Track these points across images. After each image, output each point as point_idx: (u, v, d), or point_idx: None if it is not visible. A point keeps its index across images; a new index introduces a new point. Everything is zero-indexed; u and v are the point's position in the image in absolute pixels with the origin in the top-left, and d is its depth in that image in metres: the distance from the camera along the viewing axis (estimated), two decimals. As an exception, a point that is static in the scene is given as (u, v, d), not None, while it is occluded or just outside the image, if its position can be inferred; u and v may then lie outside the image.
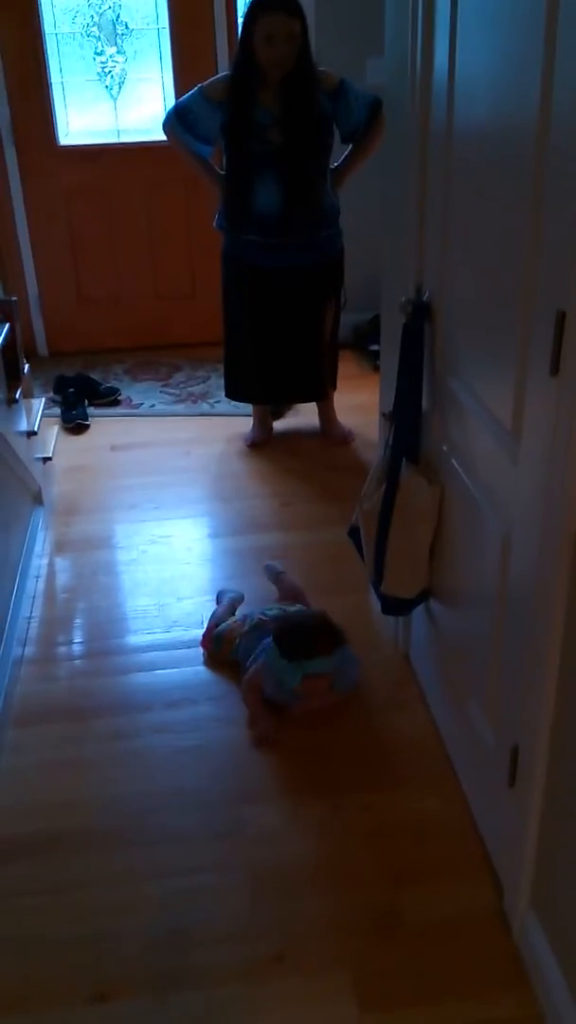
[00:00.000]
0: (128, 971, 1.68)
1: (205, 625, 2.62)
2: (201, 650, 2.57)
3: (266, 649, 2.32)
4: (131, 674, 2.51)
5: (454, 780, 2.08)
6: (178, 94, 4.16)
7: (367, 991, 1.63)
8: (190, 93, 3.35)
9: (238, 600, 2.74)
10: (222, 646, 2.50)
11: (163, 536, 3.23)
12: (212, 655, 2.53)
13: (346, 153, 3.46)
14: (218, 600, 2.76)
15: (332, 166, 3.43)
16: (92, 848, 1.95)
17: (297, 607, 2.61)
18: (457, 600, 2.04)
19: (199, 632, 2.66)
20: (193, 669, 2.52)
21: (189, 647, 2.60)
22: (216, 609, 2.69)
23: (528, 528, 1.53)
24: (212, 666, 2.52)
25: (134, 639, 2.67)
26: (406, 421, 2.09)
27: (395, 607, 2.29)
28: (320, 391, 3.82)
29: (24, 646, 2.62)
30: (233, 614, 2.64)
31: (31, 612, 2.79)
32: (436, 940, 1.73)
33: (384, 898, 1.82)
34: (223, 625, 2.54)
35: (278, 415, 4.05)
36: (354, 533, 2.37)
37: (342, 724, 2.29)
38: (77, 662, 2.60)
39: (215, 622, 2.60)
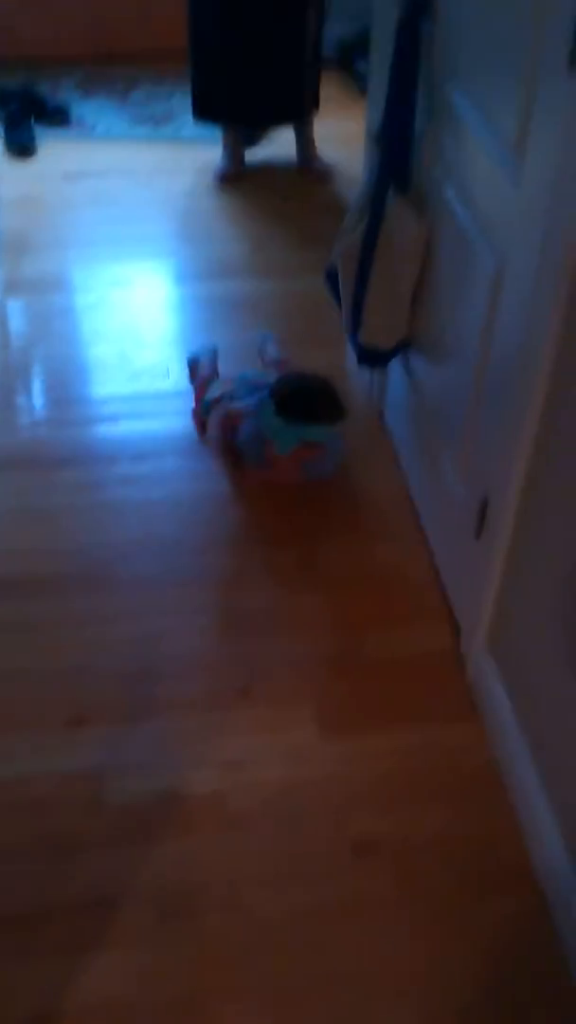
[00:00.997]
0: (102, 700, 1.92)
1: (193, 395, 2.62)
2: (185, 414, 2.61)
3: (257, 401, 2.33)
4: (94, 425, 2.63)
5: (420, 534, 2.28)
6: None
7: (327, 719, 1.89)
8: None
9: (214, 356, 2.72)
10: (209, 407, 2.49)
11: (124, 279, 3.23)
12: (198, 416, 2.54)
13: None
14: (192, 369, 2.72)
15: None
16: (63, 592, 2.15)
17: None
18: (438, 350, 2.11)
19: (164, 384, 2.75)
20: (160, 422, 2.63)
21: (155, 399, 2.70)
22: (199, 375, 2.66)
23: (523, 261, 1.54)
24: (180, 419, 2.63)
25: (96, 390, 2.76)
26: (396, 142, 2.02)
27: (372, 358, 2.37)
28: (299, 109, 3.67)
29: (-20, 394, 2.71)
30: (215, 367, 2.67)
31: (-15, 359, 2.85)
32: (394, 676, 1.97)
33: (345, 639, 2.05)
34: (212, 390, 2.53)
35: (252, 142, 3.92)
36: (331, 277, 2.38)
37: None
38: (38, 412, 2.70)
39: (201, 383, 2.61)
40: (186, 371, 2.74)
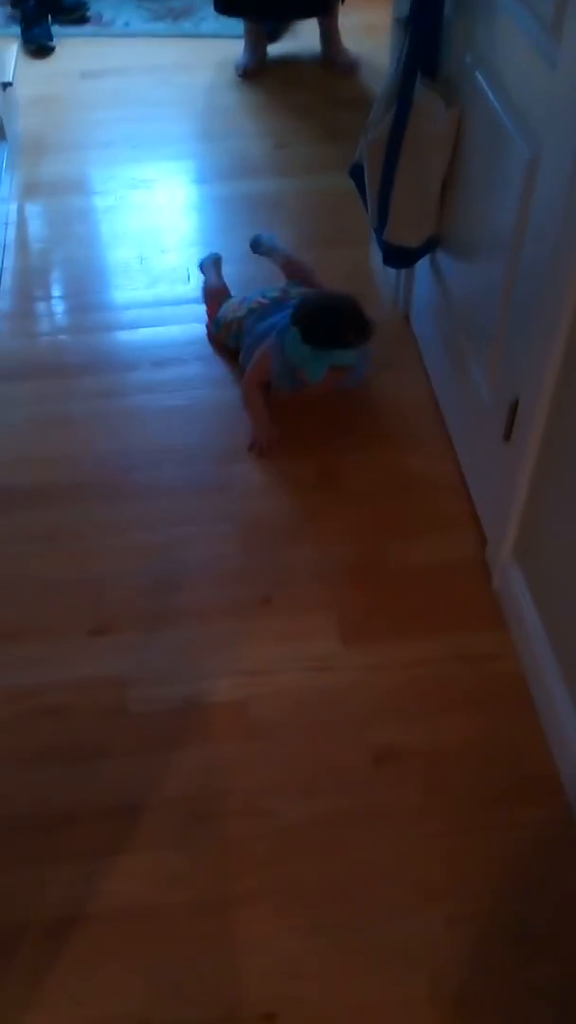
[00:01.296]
0: (123, 609, 1.88)
1: (201, 293, 2.57)
2: (204, 321, 2.53)
3: (277, 331, 2.21)
4: (114, 332, 2.54)
5: (446, 439, 2.20)
6: None
7: (350, 628, 1.85)
8: None
9: (218, 261, 2.64)
10: (220, 331, 2.44)
11: (143, 180, 3.11)
12: (212, 336, 2.50)
13: None
14: (203, 271, 2.65)
15: None
16: (83, 500, 2.10)
17: (306, 288, 2.45)
18: (467, 247, 2.01)
19: (185, 288, 2.65)
20: (180, 328, 2.54)
21: (175, 304, 2.61)
22: (205, 286, 2.59)
23: (560, 149, 1.43)
24: (201, 326, 2.54)
25: (116, 295, 2.67)
26: (425, 25, 1.90)
27: (398, 257, 2.25)
28: (323, 2, 3.48)
29: (-1, 299, 2.63)
30: (220, 277, 2.58)
31: (3, 262, 2.76)
32: (418, 585, 1.92)
33: (369, 548, 1.99)
34: (222, 309, 2.45)
35: (274, 36, 3.73)
36: (356, 172, 2.26)
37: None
38: (57, 318, 2.62)
39: (210, 297, 2.53)
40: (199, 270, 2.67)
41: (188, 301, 2.62)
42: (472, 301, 2.00)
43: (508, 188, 1.69)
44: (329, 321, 2.13)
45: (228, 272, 2.62)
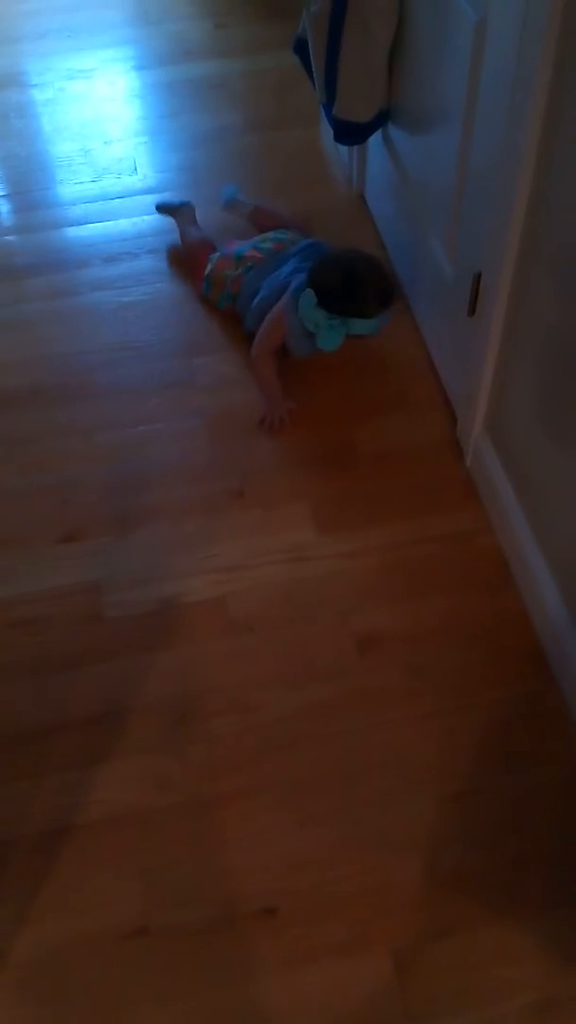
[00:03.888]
0: (92, 513, 1.71)
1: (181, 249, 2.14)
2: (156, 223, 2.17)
3: (291, 291, 1.81)
4: (62, 229, 2.28)
5: (410, 319, 2.00)
6: None
7: (324, 516, 1.69)
8: None
9: (191, 210, 2.19)
10: (211, 290, 2.02)
11: (81, 70, 2.78)
12: (203, 297, 2.06)
13: None
14: (177, 223, 2.20)
15: None
16: (43, 404, 1.89)
17: (298, 236, 2.03)
18: (420, 120, 1.79)
19: (132, 180, 2.39)
20: (130, 221, 2.29)
21: (123, 197, 2.35)
22: (185, 239, 2.15)
23: (506, 9, 1.27)
24: (151, 218, 2.28)
25: (61, 190, 2.39)
26: None
27: (349, 133, 2.01)
28: None
29: None
30: (198, 227, 2.16)
31: None
32: (391, 469, 1.75)
33: (339, 434, 1.82)
34: (210, 266, 2.01)
35: None
36: (301, 47, 2.01)
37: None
38: (1, 218, 2.35)
39: (193, 253, 2.09)
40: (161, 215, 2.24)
41: (136, 192, 2.35)
42: (428, 175, 1.79)
43: (457, 54, 1.50)
44: (350, 287, 1.74)
45: (191, 159, 2.34)
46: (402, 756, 1.39)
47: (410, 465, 1.76)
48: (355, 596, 1.57)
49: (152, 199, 2.30)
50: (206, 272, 2.01)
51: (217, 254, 2.02)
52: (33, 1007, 1.18)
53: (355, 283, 1.75)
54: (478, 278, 1.54)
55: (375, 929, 1.23)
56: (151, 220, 2.27)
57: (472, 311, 1.59)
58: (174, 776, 1.37)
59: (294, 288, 1.81)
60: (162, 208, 2.22)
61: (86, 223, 2.28)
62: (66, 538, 1.67)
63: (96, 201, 2.34)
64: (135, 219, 2.28)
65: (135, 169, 2.42)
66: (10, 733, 1.43)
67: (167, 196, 2.28)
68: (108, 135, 2.54)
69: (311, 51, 1.93)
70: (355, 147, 2.24)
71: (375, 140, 2.08)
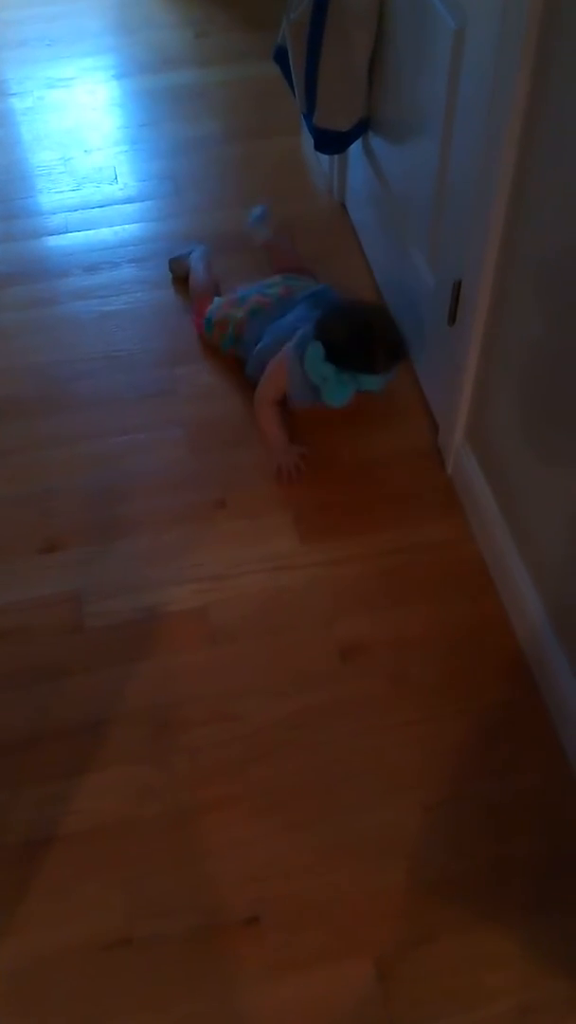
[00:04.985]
0: (73, 523, 1.73)
1: (192, 307, 2.06)
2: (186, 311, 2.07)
3: (296, 342, 1.77)
4: (42, 238, 2.32)
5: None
6: None
7: (307, 525, 1.72)
8: None
9: (206, 254, 2.15)
10: (213, 331, 1.98)
11: (61, 79, 2.83)
12: (205, 338, 2.03)
13: None
14: (174, 269, 2.18)
15: None
16: (24, 414, 1.92)
17: (309, 281, 2.01)
18: (399, 128, 1.83)
19: (112, 188, 2.43)
20: (110, 230, 2.32)
21: (103, 206, 2.39)
22: (195, 283, 2.10)
23: (484, 18, 1.31)
24: (132, 226, 2.32)
25: (41, 199, 2.43)
26: None
27: (330, 143, 2.06)
28: None
29: None
30: (210, 271, 2.11)
31: None
32: (372, 477, 1.79)
33: (320, 443, 1.85)
34: (213, 306, 1.99)
35: None
36: (281, 55, 2.05)
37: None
38: (-20, 228, 2.38)
39: (200, 294, 2.06)
40: (169, 273, 2.19)
41: (116, 202, 2.39)
42: (408, 183, 1.83)
43: (436, 63, 1.54)
44: (359, 342, 1.70)
45: (172, 168, 2.37)
46: (385, 763, 1.42)
47: (392, 473, 1.80)
48: (337, 604, 1.60)
49: (133, 207, 2.34)
50: (209, 313, 1.98)
51: (222, 299, 1.99)
52: (16, 1018, 1.20)
53: (366, 338, 1.71)
54: (458, 286, 1.59)
55: (358, 936, 1.26)
56: (132, 229, 2.31)
57: (452, 320, 1.63)
58: (157, 786, 1.40)
59: (300, 338, 1.77)
60: (175, 261, 2.18)
61: (66, 232, 2.32)
62: (47, 548, 1.70)
63: (76, 210, 2.38)
64: (116, 228, 2.32)
65: (115, 178, 2.46)
66: (-10, 745, 1.46)
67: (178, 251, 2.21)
68: (88, 144, 2.58)
69: (291, 60, 1.97)
70: (336, 156, 2.29)
71: (355, 149, 2.13)
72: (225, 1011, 1.20)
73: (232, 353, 1.97)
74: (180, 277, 2.16)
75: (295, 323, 1.83)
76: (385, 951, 1.25)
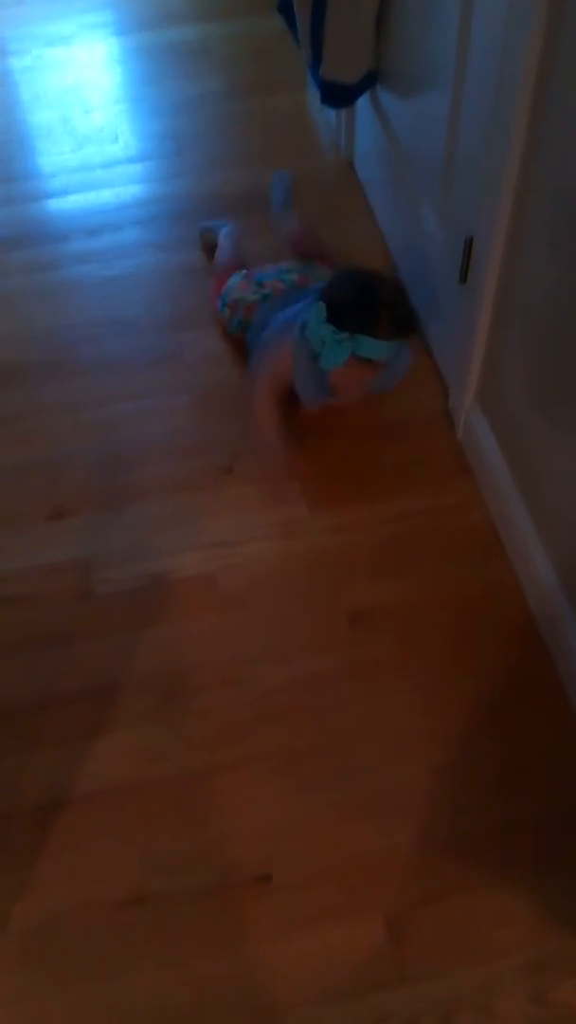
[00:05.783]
0: (81, 490, 1.76)
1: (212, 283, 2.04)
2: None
3: (301, 324, 1.69)
4: (43, 201, 2.33)
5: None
6: None
7: (315, 492, 1.75)
8: None
9: (234, 234, 2.11)
10: (226, 311, 1.95)
11: (60, 36, 2.82)
12: (218, 317, 2.00)
13: None
14: (209, 235, 2.16)
15: None
16: (29, 381, 1.95)
17: (322, 271, 1.94)
18: (409, 81, 1.83)
19: (114, 148, 2.43)
20: (112, 192, 2.33)
21: (105, 167, 2.39)
22: (218, 260, 2.07)
23: None
24: (135, 188, 2.33)
25: (42, 161, 2.43)
26: None
27: (336, 96, 2.05)
28: None
29: None
30: (238, 250, 2.07)
31: None
32: (382, 442, 1.82)
33: (329, 409, 1.85)
34: (229, 283, 1.95)
35: None
36: (286, 6, 2.05)
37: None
38: (-20, 191, 2.39)
39: (221, 271, 2.02)
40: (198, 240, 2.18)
41: (118, 162, 2.40)
42: (418, 138, 1.83)
43: (447, 10, 1.52)
44: (361, 300, 1.62)
45: (174, 127, 2.36)
46: (395, 726, 1.46)
47: (402, 438, 1.82)
48: (347, 571, 1.63)
49: (135, 168, 2.34)
50: (224, 291, 1.96)
51: (240, 275, 1.95)
52: (33, 973, 1.25)
53: (369, 297, 1.62)
54: (470, 243, 1.59)
55: (369, 894, 1.30)
56: (134, 190, 2.32)
57: (464, 278, 1.64)
58: (167, 748, 1.44)
59: (304, 323, 1.68)
60: (205, 231, 2.18)
61: (67, 194, 2.33)
62: (55, 515, 1.73)
63: (77, 172, 2.38)
64: (118, 189, 2.33)
65: (117, 138, 2.46)
66: (2, 710, 1.50)
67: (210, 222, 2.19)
68: (88, 103, 2.57)
69: (296, 10, 1.96)
70: (343, 112, 2.28)
71: (363, 104, 2.13)
72: (238, 967, 1.25)
73: (240, 338, 1.95)
74: (207, 248, 2.16)
75: (301, 312, 1.74)
76: (395, 908, 1.29)
